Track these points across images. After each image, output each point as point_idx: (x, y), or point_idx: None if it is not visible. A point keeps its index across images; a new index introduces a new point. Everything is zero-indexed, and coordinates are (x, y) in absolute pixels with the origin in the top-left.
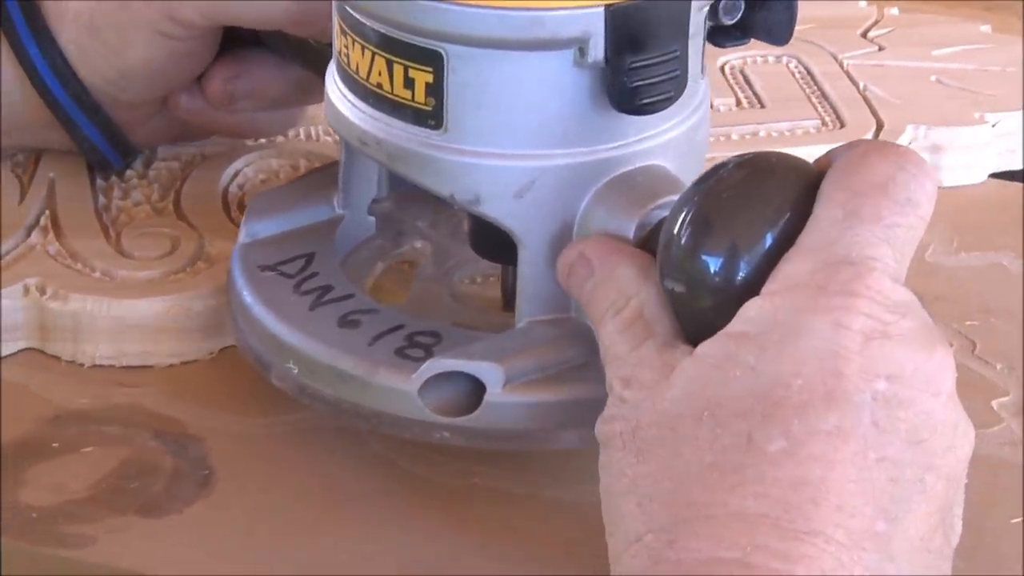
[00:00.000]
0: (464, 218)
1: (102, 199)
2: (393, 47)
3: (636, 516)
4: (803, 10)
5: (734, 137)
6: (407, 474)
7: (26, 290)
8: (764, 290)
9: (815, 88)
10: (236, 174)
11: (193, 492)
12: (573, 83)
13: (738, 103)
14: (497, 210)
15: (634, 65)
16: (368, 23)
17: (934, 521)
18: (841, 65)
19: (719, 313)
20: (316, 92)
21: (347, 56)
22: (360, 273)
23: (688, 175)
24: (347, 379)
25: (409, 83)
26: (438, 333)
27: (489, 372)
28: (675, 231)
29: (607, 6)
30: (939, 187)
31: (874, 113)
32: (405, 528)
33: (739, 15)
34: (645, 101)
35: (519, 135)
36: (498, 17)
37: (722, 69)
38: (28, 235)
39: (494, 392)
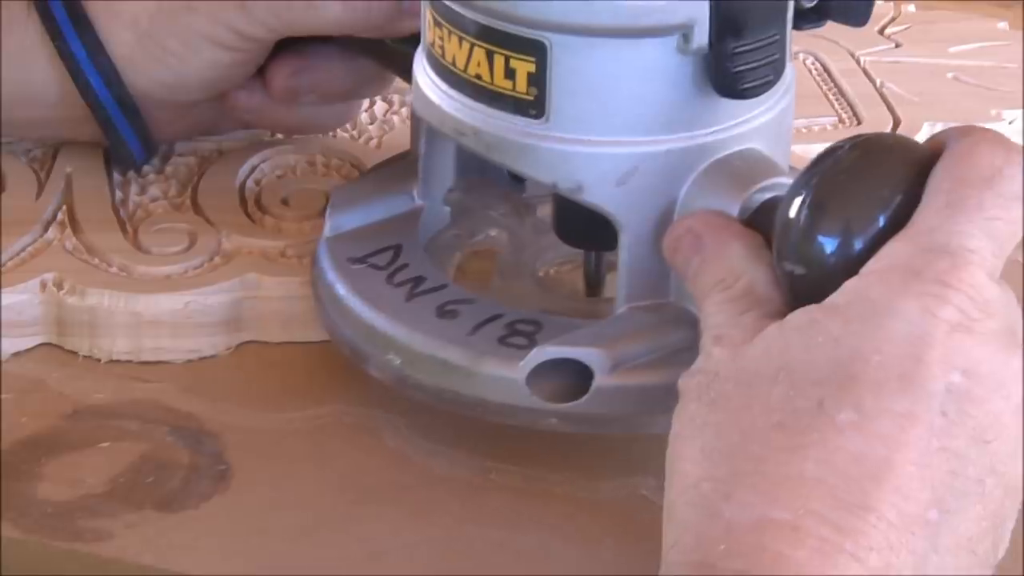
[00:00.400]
0: (535, 204)
1: (119, 194)
2: (494, 38)
3: (698, 461)
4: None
5: None
6: (423, 470)
7: (43, 285)
8: (863, 270)
9: (832, 85)
10: (253, 169)
11: (210, 487)
12: (676, 69)
13: None
14: (599, 197)
15: (737, 50)
16: (468, 15)
17: (986, 526)
18: (858, 62)
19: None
20: (379, 82)
21: (441, 48)
22: (441, 263)
23: (779, 158)
24: (451, 368)
25: (510, 73)
26: (538, 321)
27: (596, 358)
28: (792, 214)
29: None
30: None
31: (891, 110)
32: (421, 524)
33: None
34: (747, 85)
35: (621, 122)
36: (605, 6)
37: None
38: (45, 230)
39: (601, 378)
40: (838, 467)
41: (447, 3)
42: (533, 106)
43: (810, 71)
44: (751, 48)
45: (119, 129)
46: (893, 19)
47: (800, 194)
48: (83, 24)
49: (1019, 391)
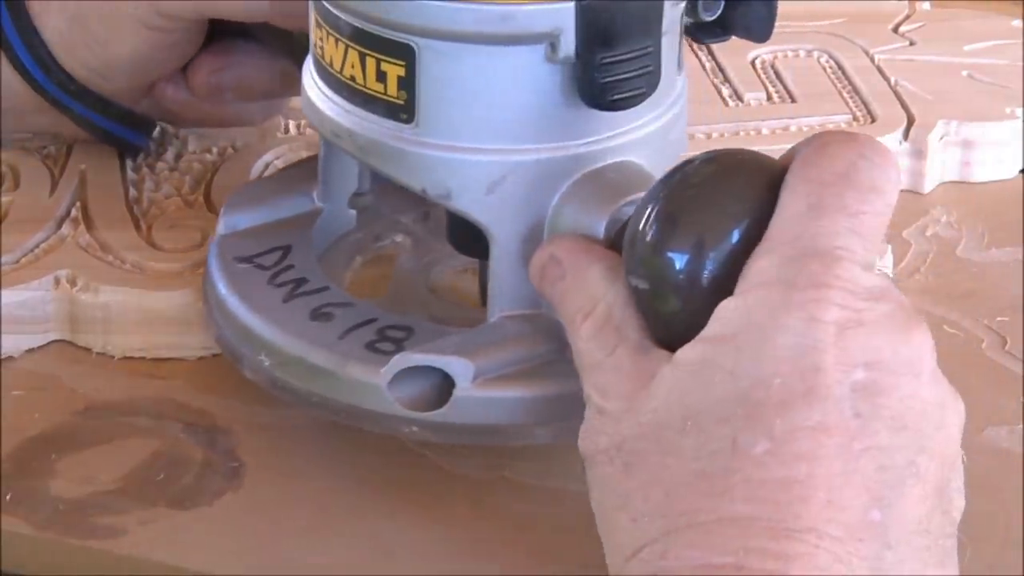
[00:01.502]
0: (444, 212)
1: (133, 191)
2: (365, 40)
3: (630, 531)
4: (835, 5)
5: (764, 132)
6: (435, 467)
7: (57, 282)
8: (736, 290)
9: (846, 83)
10: (267, 166)
11: (223, 484)
12: (544, 78)
13: (769, 97)
14: (468, 205)
15: (605, 61)
16: (342, 16)
17: (931, 502)
18: (872, 60)
19: (685, 311)
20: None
21: (322, 49)
22: (339, 267)
23: (662, 172)
24: (317, 372)
25: (381, 76)
26: (410, 327)
27: (458, 367)
28: (640, 227)
29: (578, 1)
30: (969, 182)
31: (905, 108)
32: (433, 521)
33: (719, 12)
34: (616, 97)
35: (490, 130)
36: (469, 12)
37: (753, 63)
38: (59, 227)
39: (463, 387)
40: (767, 499)
41: (325, 4)
42: (404, 110)
43: (824, 69)
44: (620, 59)
45: (76, 110)
46: (908, 17)
47: (648, 207)
48: (18, 11)
49: (928, 363)
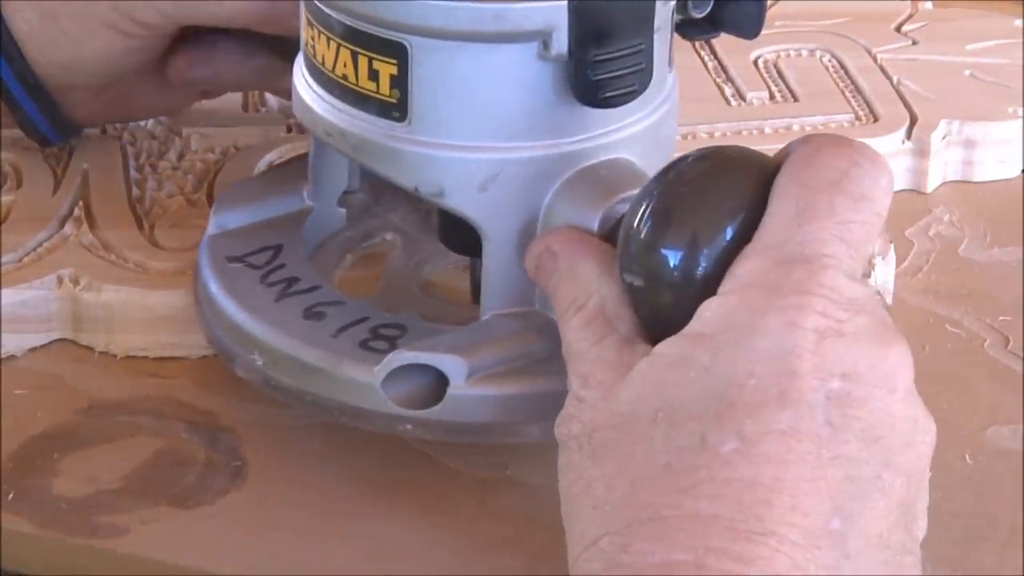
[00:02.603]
0: (436, 211)
1: (136, 191)
2: (358, 39)
3: (592, 519)
4: (837, 4)
5: (767, 131)
6: (440, 466)
7: (59, 281)
8: (720, 289)
9: (849, 82)
10: (269, 165)
11: (225, 483)
12: (537, 76)
13: (771, 97)
14: (461, 202)
15: (598, 59)
16: (334, 15)
17: (894, 518)
18: (875, 59)
19: (679, 308)
20: (281, 77)
21: (313, 48)
22: (329, 265)
23: (654, 169)
24: (311, 371)
25: (374, 75)
26: (403, 326)
27: (452, 365)
28: (634, 224)
29: (570, 0)
30: (972, 182)
31: (908, 107)
32: (437, 519)
33: (708, 9)
34: (609, 95)
35: (483, 128)
36: (462, 10)
37: (756, 62)
38: (62, 226)
39: (457, 385)
40: (731, 499)
41: (316, 3)
42: (396, 108)
43: (827, 68)
44: (613, 57)
45: (23, 106)
46: (910, 16)
47: (643, 203)
48: None
49: (904, 379)
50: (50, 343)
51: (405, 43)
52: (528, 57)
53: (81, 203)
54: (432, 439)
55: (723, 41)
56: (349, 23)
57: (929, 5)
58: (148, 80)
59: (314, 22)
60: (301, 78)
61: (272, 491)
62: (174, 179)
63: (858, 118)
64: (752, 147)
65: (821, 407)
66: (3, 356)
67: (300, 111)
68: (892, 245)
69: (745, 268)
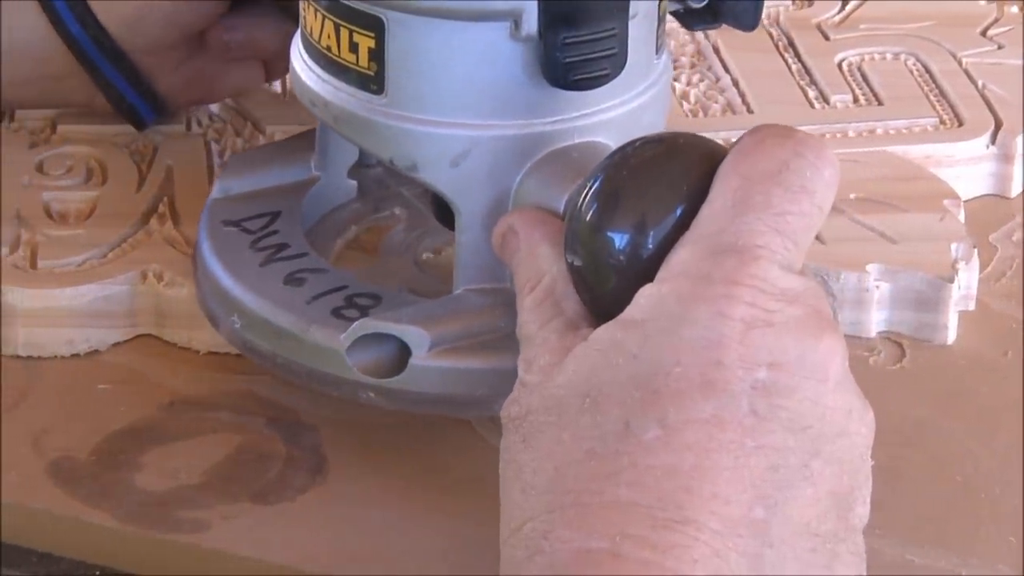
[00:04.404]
0: None
1: None
2: (339, 11)
3: (519, 504)
4: (923, 7)
5: (851, 134)
6: None
7: (143, 277)
8: (657, 277)
9: (933, 86)
10: None
11: (306, 479)
12: (508, 56)
13: (855, 100)
14: (434, 177)
15: (567, 41)
16: None
17: (823, 506)
18: (960, 63)
19: (619, 292)
20: None
21: (304, 19)
22: (332, 235)
23: None
24: (283, 335)
25: (354, 47)
26: (378, 296)
27: (415, 335)
28: (578, 205)
29: None
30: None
31: (992, 112)
32: None
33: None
34: (578, 77)
35: (455, 104)
36: None
37: (840, 65)
38: (146, 222)
39: (419, 356)
40: (651, 486)
41: None
42: (374, 81)
43: (911, 72)
44: (583, 40)
45: (104, 72)
46: (996, 20)
47: (588, 184)
48: None
49: (836, 369)
50: (133, 338)
51: (382, 17)
52: (500, 37)
53: (165, 199)
54: (393, 408)
55: (807, 44)
56: None
57: (1015, 9)
58: (218, 56)
59: None
60: (296, 49)
61: (352, 488)
62: None
63: (942, 122)
64: (835, 151)
65: (746, 396)
66: (87, 351)
67: (295, 82)
68: (976, 250)
69: (680, 257)
